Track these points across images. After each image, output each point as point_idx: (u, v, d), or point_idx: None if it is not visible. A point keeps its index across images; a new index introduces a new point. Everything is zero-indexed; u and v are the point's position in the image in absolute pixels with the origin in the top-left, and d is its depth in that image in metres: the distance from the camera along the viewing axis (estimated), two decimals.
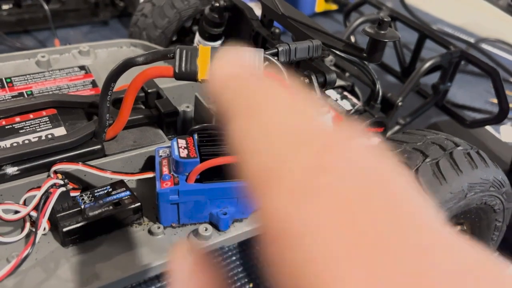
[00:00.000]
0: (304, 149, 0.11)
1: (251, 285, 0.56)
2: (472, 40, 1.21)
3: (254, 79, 0.14)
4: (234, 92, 0.14)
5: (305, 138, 0.12)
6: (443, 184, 0.40)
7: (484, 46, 1.20)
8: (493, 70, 0.65)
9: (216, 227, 0.44)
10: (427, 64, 0.68)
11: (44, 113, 0.48)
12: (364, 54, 0.48)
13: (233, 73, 0.14)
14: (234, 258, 0.58)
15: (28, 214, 0.40)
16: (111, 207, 0.42)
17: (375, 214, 0.10)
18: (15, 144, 0.44)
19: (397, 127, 0.72)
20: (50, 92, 0.54)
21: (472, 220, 0.47)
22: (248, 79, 0.14)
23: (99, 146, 0.46)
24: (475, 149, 0.44)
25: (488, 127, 0.85)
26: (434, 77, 0.75)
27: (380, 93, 0.63)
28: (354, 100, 0.65)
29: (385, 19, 0.45)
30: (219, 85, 0.14)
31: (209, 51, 0.40)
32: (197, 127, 0.46)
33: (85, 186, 0.44)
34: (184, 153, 0.42)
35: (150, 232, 0.43)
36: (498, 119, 0.68)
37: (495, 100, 0.67)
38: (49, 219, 0.40)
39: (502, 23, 1.22)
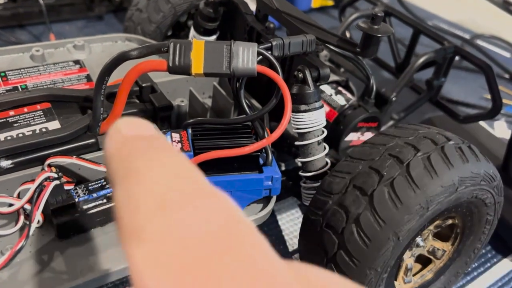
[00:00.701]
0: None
1: None
2: (467, 36, 1.21)
3: (140, 144, 0.16)
4: (120, 157, 0.15)
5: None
6: (434, 178, 0.40)
7: (480, 42, 1.21)
8: (486, 65, 0.66)
9: None
10: (421, 60, 0.68)
11: (38, 106, 0.48)
12: (358, 49, 0.48)
13: (124, 138, 0.16)
14: None
15: (22, 207, 0.40)
16: (105, 200, 0.42)
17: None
18: (9, 138, 0.44)
19: (391, 122, 0.73)
20: (45, 86, 0.54)
21: (463, 214, 0.47)
22: (136, 145, 0.16)
23: (93, 140, 0.46)
24: (466, 143, 0.45)
25: (482, 123, 0.85)
26: (428, 73, 0.75)
27: (374, 89, 0.63)
28: (349, 95, 0.65)
29: (379, 14, 0.45)
30: (112, 147, 0.16)
31: (203, 45, 0.40)
32: (191, 121, 0.46)
33: (79, 179, 0.45)
34: (177, 146, 0.42)
35: None
36: (491, 114, 0.68)
37: (489, 96, 0.68)
38: (43, 212, 0.41)
39: (498, 19, 1.22)
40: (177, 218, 0.13)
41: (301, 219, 0.64)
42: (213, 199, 0.14)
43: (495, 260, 0.63)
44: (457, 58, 0.71)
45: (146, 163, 0.15)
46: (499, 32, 1.25)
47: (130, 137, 0.16)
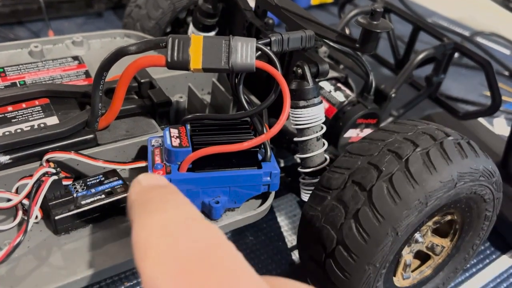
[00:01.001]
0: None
1: None
2: (467, 34, 1.21)
3: (154, 192, 0.22)
4: (139, 202, 0.21)
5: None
6: (433, 173, 0.40)
7: (479, 39, 1.21)
8: (486, 62, 0.66)
9: (208, 216, 0.44)
10: (421, 56, 0.68)
11: (36, 102, 0.48)
12: (357, 45, 0.48)
13: (143, 188, 0.22)
14: None
15: (20, 202, 0.40)
16: (103, 196, 0.42)
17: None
18: (7, 133, 0.44)
19: (390, 119, 0.73)
20: (43, 82, 0.54)
21: (462, 210, 0.47)
22: (151, 193, 0.22)
23: (91, 136, 0.46)
24: (465, 139, 0.44)
25: (481, 120, 0.85)
26: (428, 69, 0.75)
27: (374, 85, 0.63)
28: (348, 91, 0.65)
29: (378, 10, 0.45)
30: (133, 195, 0.22)
31: (201, 40, 0.40)
32: (189, 116, 0.46)
33: (77, 175, 0.45)
34: (176, 142, 0.42)
35: None
36: (490, 111, 0.68)
37: (489, 93, 0.68)
38: (41, 207, 0.41)
39: (497, 16, 1.22)
40: (176, 241, 0.18)
41: (299, 216, 0.64)
42: (204, 227, 0.19)
43: (494, 256, 0.63)
44: (456, 55, 0.71)
45: (157, 205, 0.20)
46: (499, 29, 1.24)
47: (147, 186, 0.22)
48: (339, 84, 0.66)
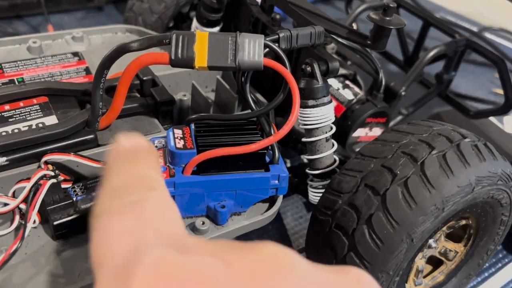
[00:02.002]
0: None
1: None
2: (475, 29, 1.19)
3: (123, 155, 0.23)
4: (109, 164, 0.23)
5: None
6: (450, 177, 0.38)
7: (488, 35, 1.18)
8: (500, 59, 0.64)
9: (213, 220, 0.42)
10: (432, 53, 0.66)
11: (35, 101, 0.46)
12: (368, 42, 0.46)
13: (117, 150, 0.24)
14: None
15: (18, 207, 0.39)
16: None
17: None
18: (4, 133, 0.42)
19: (399, 117, 0.71)
20: (42, 79, 0.52)
21: (477, 214, 0.45)
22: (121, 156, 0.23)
23: (92, 136, 0.44)
24: (482, 141, 0.43)
25: (491, 118, 0.83)
26: (437, 67, 0.73)
27: (383, 83, 0.61)
28: (356, 89, 0.63)
29: (391, 5, 0.43)
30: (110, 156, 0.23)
31: (206, 37, 0.38)
32: (194, 116, 0.44)
33: (77, 177, 0.43)
34: (180, 143, 0.40)
35: None
36: (503, 109, 0.66)
37: (498, 90, 0.66)
38: (39, 211, 0.39)
39: (506, 12, 1.20)
40: (120, 202, 0.20)
41: (306, 218, 0.62)
42: (144, 192, 0.21)
43: (506, 260, 0.61)
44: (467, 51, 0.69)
45: (115, 170, 0.22)
46: (508, 25, 1.22)
47: (121, 148, 0.23)
48: (347, 82, 0.64)
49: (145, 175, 0.22)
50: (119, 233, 0.19)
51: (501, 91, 0.66)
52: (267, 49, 0.40)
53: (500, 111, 0.67)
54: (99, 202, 0.21)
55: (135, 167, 0.22)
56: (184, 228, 0.21)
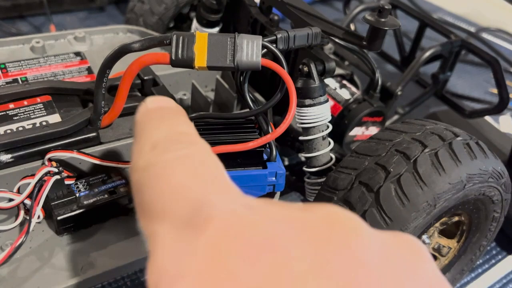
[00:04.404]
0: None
1: None
2: (472, 30, 1.20)
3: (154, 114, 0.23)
4: (140, 123, 0.22)
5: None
6: (442, 174, 0.39)
7: (485, 35, 1.19)
8: (494, 59, 0.65)
9: None
10: (428, 53, 0.67)
11: (38, 99, 0.48)
12: (364, 42, 0.47)
13: (146, 109, 0.23)
14: None
15: (22, 202, 0.40)
16: (106, 196, 0.42)
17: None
18: (8, 131, 0.43)
19: (396, 117, 0.72)
20: (45, 79, 0.53)
21: (470, 211, 0.47)
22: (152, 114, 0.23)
23: (94, 134, 0.45)
24: (474, 139, 0.44)
25: (487, 118, 0.84)
26: (433, 67, 0.74)
27: (380, 82, 0.62)
28: (353, 89, 0.64)
29: (386, 7, 0.44)
30: (137, 116, 0.23)
31: (206, 38, 0.39)
32: (194, 115, 0.45)
33: (80, 174, 0.44)
34: None
35: None
36: (498, 109, 0.67)
37: (494, 90, 0.67)
38: (44, 207, 0.40)
39: (503, 12, 1.21)
40: (167, 156, 0.19)
41: None
42: (189, 147, 0.20)
43: (499, 257, 0.62)
44: (463, 52, 0.70)
45: (152, 125, 0.21)
46: (505, 25, 1.23)
47: (151, 108, 0.23)
48: (344, 81, 0.65)
49: (184, 130, 0.21)
50: (175, 187, 0.18)
51: (497, 91, 0.68)
52: (265, 50, 0.41)
53: (495, 111, 0.68)
54: (140, 156, 0.20)
55: (171, 122, 0.22)
56: (231, 180, 0.20)
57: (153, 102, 0.23)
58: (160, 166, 0.18)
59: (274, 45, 0.42)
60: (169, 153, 0.19)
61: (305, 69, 0.46)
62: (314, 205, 0.18)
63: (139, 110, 0.23)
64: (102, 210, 0.41)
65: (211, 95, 0.62)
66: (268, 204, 0.18)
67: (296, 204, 0.18)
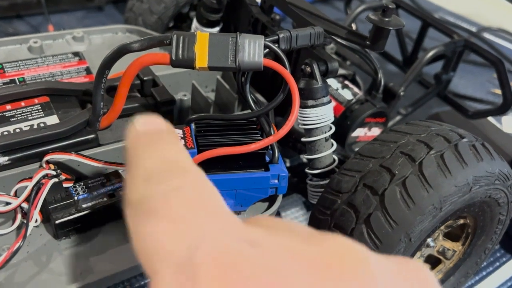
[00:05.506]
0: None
1: None
2: (474, 29, 1.19)
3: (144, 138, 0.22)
4: (130, 148, 0.21)
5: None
6: (447, 177, 0.38)
7: (487, 35, 1.19)
8: (498, 60, 0.64)
9: None
10: (431, 53, 0.66)
11: (36, 100, 0.47)
12: (367, 42, 0.46)
13: (136, 133, 0.22)
14: None
15: (20, 206, 0.39)
16: (105, 199, 0.41)
17: None
18: (5, 133, 0.42)
19: (398, 117, 0.71)
20: (43, 79, 0.53)
21: (475, 213, 0.46)
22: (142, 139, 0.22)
23: (93, 136, 0.44)
24: (480, 141, 0.43)
25: (489, 118, 0.83)
26: (436, 67, 0.74)
27: (382, 83, 0.61)
28: (355, 89, 0.64)
29: (390, 6, 0.43)
30: (127, 140, 0.22)
31: (207, 38, 0.38)
32: (194, 116, 0.44)
33: (78, 176, 0.43)
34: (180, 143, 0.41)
35: None
36: (501, 110, 0.67)
37: (497, 91, 0.66)
38: (41, 210, 0.39)
39: (505, 12, 1.20)
40: (161, 188, 0.19)
41: (305, 217, 0.63)
42: (183, 176, 0.19)
43: (504, 259, 0.62)
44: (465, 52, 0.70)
45: (143, 153, 0.21)
46: (507, 25, 1.22)
47: (140, 131, 0.21)
48: (346, 82, 0.65)
49: (176, 157, 0.21)
50: (171, 223, 0.17)
51: (499, 91, 0.67)
52: (267, 50, 0.40)
53: (498, 111, 0.67)
54: (133, 189, 0.19)
55: (163, 148, 0.21)
56: (229, 209, 0.19)
57: (142, 125, 0.22)
58: (154, 200, 0.18)
59: (276, 45, 0.41)
60: (162, 184, 0.19)
61: (308, 69, 0.45)
62: (321, 236, 0.17)
63: (129, 134, 0.22)
64: (101, 213, 0.40)
65: (211, 96, 0.61)
66: (271, 235, 0.17)
67: (300, 231, 0.18)
